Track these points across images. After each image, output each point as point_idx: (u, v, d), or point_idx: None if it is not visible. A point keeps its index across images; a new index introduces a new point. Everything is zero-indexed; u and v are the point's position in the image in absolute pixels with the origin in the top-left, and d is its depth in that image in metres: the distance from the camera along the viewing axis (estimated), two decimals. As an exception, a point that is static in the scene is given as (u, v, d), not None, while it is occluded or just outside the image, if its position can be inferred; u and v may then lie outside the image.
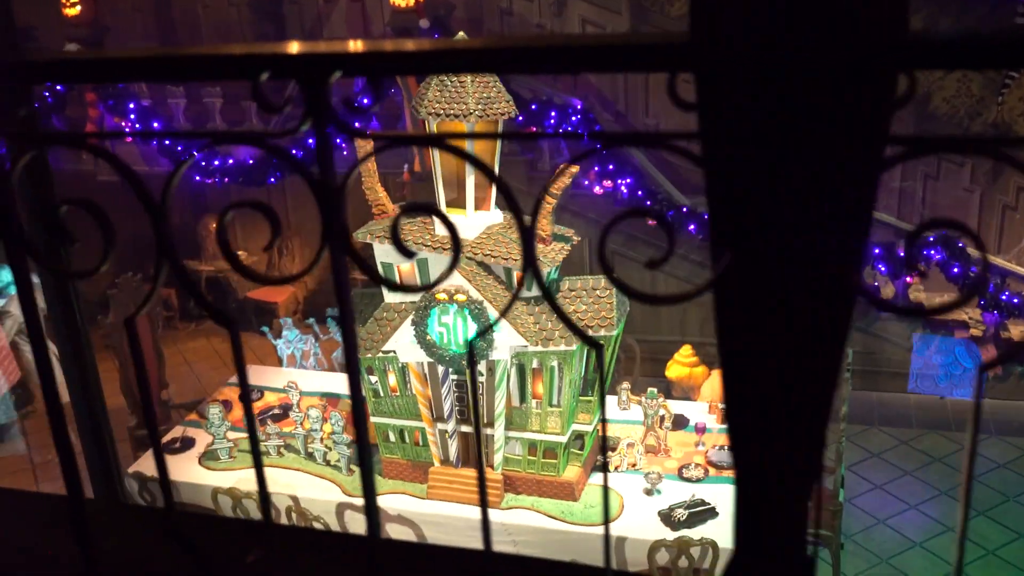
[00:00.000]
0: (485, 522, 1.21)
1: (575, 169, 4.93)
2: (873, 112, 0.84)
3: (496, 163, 4.97)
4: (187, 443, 6.10)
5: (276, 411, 6.36)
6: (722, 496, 5.16)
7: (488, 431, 5.20)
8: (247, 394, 1.19)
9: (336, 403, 6.30)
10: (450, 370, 5.11)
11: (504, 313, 1.05)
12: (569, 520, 5.12)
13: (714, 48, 0.87)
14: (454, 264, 1.00)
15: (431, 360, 5.02)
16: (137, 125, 8.27)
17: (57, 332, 4.01)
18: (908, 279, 6.97)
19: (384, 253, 5.07)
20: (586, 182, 7.60)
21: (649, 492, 5.23)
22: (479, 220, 5.02)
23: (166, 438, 6.23)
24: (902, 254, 6.85)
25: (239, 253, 10.41)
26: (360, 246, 9.11)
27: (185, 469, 5.82)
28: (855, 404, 6.38)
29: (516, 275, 4.90)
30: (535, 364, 4.98)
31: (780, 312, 0.92)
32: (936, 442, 7.00)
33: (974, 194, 8.05)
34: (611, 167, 7.61)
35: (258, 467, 1.22)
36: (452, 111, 4.63)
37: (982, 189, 8.03)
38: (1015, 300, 7.06)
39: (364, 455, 1.15)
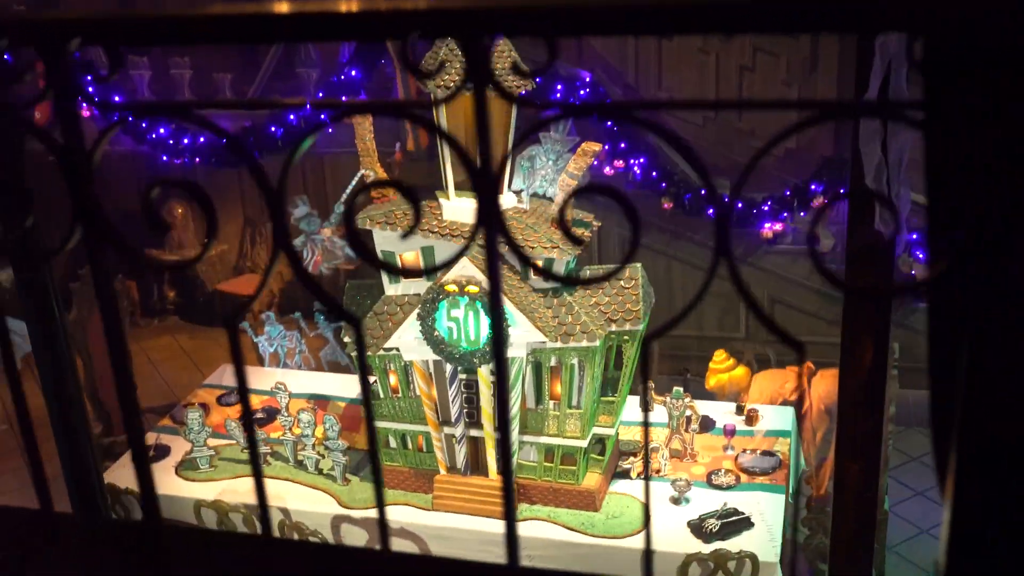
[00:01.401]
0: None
1: (597, 147, 4.87)
2: None
3: (510, 139, 4.91)
4: (161, 451, 6.00)
5: (260, 415, 6.28)
6: (756, 505, 5.13)
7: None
8: (369, 406, 1.13)
9: (326, 406, 6.23)
10: (458, 369, 5.05)
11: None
12: (590, 532, 5.08)
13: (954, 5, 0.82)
14: (632, 252, 0.94)
15: (438, 358, 4.95)
16: (96, 99, 8.10)
17: (30, 330, 3.93)
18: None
19: (384, 240, 5.00)
20: (596, 162, 7.54)
21: (676, 501, 5.20)
22: (491, 204, 4.95)
23: (137, 446, 6.14)
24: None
25: (205, 242, 10.34)
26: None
27: (161, 480, 5.72)
28: (891, 403, 6.36)
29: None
30: (553, 362, 4.94)
31: (1016, 315, 0.87)
32: (978, 443, 6.99)
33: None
34: (623, 145, 7.56)
35: (379, 492, 1.15)
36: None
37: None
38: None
39: (508, 484, 1.09)
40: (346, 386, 6.40)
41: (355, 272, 7.92)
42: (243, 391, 1.11)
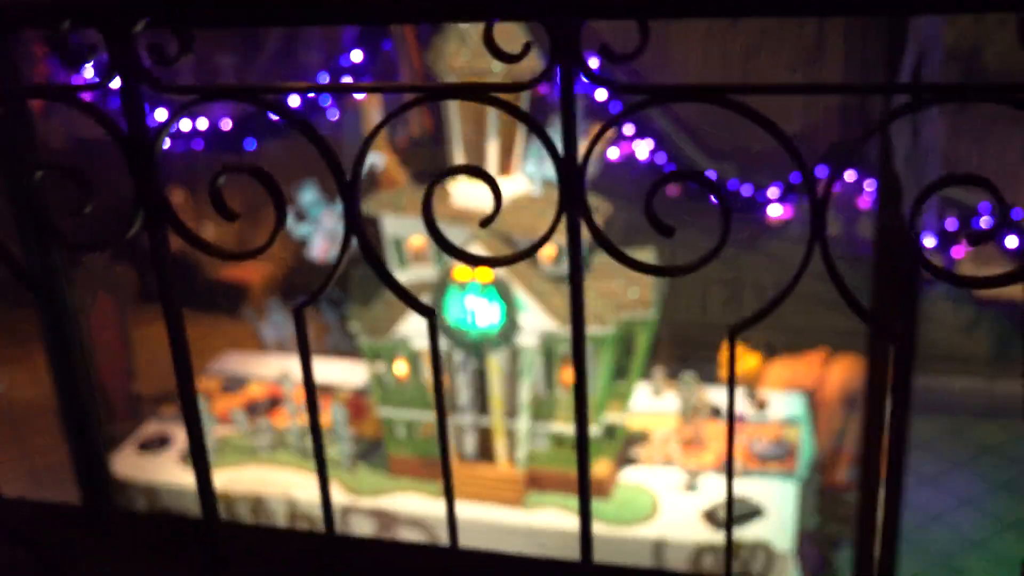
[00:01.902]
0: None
1: (611, 133, 4.84)
2: None
3: (519, 125, 4.88)
4: (164, 440, 5.97)
5: (264, 403, 6.26)
6: (768, 493, 5.13)
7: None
8: (440, 396, 1.11)
9: (332, 393, 6.20)
10: (468, 357, 5.03)
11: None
12: (600, 520, 5.07)
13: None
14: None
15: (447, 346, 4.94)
16: (96, 80, 8.04)
17: (42, 319, 3.90)
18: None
19: (393, 227, 4.98)
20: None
21: (688, 489, 5.19)
22: (502, 188, 4.92)
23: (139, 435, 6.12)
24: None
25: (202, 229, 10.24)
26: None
27: (164, 470, 5.71)
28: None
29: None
30: (564, 349, 4.92)
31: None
32: (987, 431, 7.02)
33: (1029, 158, 8.01)
34: (630, 130, 7.51)
35: (448, 487, 1.13)
36: (477, 67, 4.52)
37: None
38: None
39: (583, 472, 1.07)
40: (352, 373, 6.38)
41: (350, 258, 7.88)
42: (309, 384, 1.09)
